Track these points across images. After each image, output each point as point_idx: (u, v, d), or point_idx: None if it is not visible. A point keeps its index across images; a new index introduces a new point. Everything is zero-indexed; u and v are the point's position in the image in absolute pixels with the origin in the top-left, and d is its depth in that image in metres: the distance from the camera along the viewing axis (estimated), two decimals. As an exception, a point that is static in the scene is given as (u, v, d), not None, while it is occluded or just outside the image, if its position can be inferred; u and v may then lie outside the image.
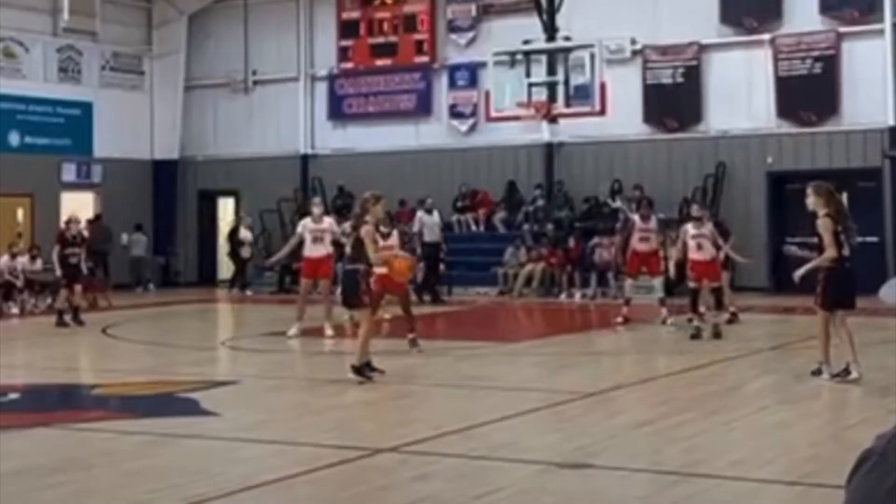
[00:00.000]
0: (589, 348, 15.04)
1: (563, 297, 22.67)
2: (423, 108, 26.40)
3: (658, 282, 17.10)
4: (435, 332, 15.84)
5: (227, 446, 8.38)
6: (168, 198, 28.65)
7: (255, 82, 28.19)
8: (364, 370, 11.30)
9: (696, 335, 14.43)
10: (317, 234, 15.75)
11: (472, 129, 25.70)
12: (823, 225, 10.60)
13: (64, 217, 25.82)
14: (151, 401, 10.59)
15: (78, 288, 18.14)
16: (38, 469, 7.44)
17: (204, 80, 28.67)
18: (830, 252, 10.56)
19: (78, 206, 26.58)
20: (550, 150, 25.01)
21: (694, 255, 14.88)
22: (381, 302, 14.23)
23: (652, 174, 23.65)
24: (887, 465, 1.41)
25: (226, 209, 28.80)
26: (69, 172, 26.76)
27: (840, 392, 10.61)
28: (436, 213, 23.05)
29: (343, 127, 27.42)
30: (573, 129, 23.33)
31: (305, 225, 15.96)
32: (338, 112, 27.40)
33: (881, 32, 21.99)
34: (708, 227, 15.23)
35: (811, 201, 10.88)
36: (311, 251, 15.60)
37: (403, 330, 13.78)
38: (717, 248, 15.44)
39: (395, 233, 13.92)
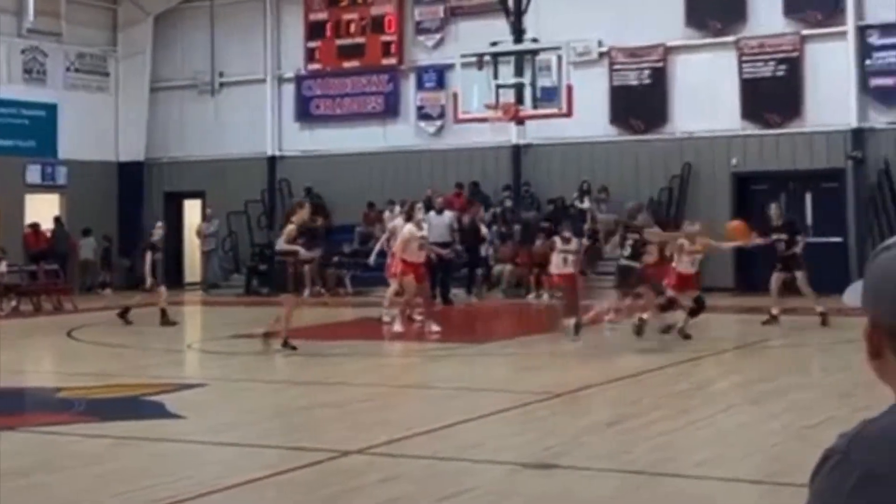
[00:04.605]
0: (557, 349, 15.07)
1: (530, 297, 22.72)
2: (391, 109, 26.38)
3: None
4: (403, 333, 15.82)
5: (194, 449, 8.35)
6: (134, 200, 28.46)
7: (222, 84, 28.06)
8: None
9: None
10: None
11: (440, 130, 25.71)
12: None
13: (28, 220, 25.80)
14: (117, 404, 10.51)
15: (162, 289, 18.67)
16: (4, 472, 7.36)
17: (170, 82, 28.52)
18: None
19: (43, 209, 26.48)
20: (518, 152, 25.07)
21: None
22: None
23: (619, 175, 23.76)
24: (850, 463, 1.43)
25: (192, 211, 28.64)
26: (34, 174, 26.53)
27: (805, 392, 10.71)
28: (447, 214, 22.70)
29: (310, 128, 27.36)
30: (540, 130, 23.40)
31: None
32: (305, 113, 27.33)
33: (844, 35, 22.19)
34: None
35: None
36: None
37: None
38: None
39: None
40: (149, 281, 18.37)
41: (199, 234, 27.17)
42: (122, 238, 28.17)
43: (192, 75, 28.19)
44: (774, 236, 16.69)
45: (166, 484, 7.00)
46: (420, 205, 17.41)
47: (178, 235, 28.84)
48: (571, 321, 14.89)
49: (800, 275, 16.25)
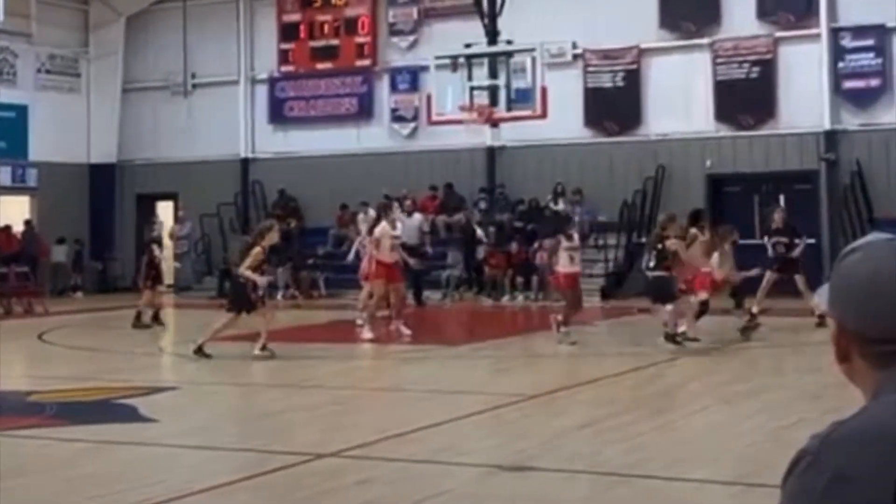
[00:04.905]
0: (531, 351, 15.09)
1: (505, 299, 22.72)
2: (365, 111, 26.33)
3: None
4: (376, 335, 15.78)
5: (167, 453, 8.29)
6: (106, 202, 28.28)
7: (195, 85, 27.92)
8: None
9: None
10: None
11: (414, 132, 25.68)
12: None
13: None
14: (89, 407, 10.43)
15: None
16: (-27, 478, 7.29)
17: (142, 83, 28.35)
18: None
19: (13, 211, 26.27)
20: (492, 154, 25.08)
21: None
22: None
23: (593, 177, 23.80)
24: (822, 464, 1.43)
25: (165, 213, 28.48)
26: (4, 176, 26.31)
27: (778, 393, 10.75)
28: (416, 216, 22.79)
29: (284, 130, 27.28)
30: (514, 132, 23.42)
31: None
32: (278, 115, 27.24)
33: (817, 37, 22.33)
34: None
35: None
36: None
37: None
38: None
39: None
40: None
41: (172, 236, 27.00)
42: (94, 240, 28.01)
43: (164, 76, 28.04)
44: (774, 239, 16.87)
45: (139, 488, 6.94)
46: (396, 204, 17.38)
47: (151, 238, 28.68)
48: (564, 325, 14.79)
49: (799, 278, 16.30)
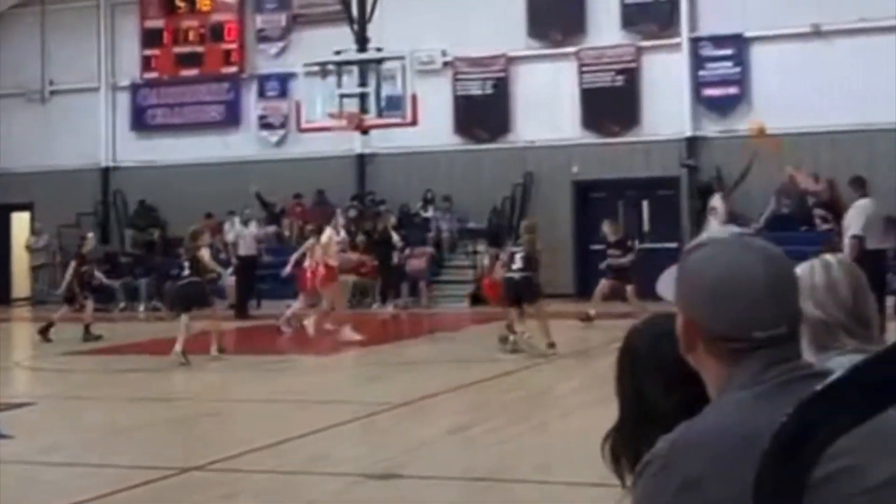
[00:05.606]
0: (401, 358, 15.06)
1: (375, 307, 22.65)
2: (232, 118, 25.97)
3: None
4: (245, 346, 15.56)
5: (24, 470, 7.99)
6: (-44, 213, 27.21)
7: (53, 92, 27.12)
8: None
9: None
10: None
11: (283, 140, 25.43)
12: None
13: None
14: (-61, 426, 9.97)
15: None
16: None
17: (-3, 89, 27.39)
18: None
19: None
20: (362, 161, 25.00)
21: None
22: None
23: (463, 184, 23.94)
24: (671, 468, 1.43)
25: (20, 224, 27.53)
26: None
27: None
28: (252, 225, 22.72)
29: (147, 138, 26.68)
30: (385, 139, 23.38)
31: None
32: (141, 123, 26.65)
33: (678, 46, 22.92)
34: None
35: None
36: None
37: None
38: None
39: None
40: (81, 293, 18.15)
41: (28, 248, 26.16)
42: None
43: (20, 83, 27.12)
44: (610, 251, 17.97)
45: (-9, 508, 6.67)
46: (339, 211, 19.08)
47: (5, 250, 27.71)
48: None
49: (629, 288, 17.02)
